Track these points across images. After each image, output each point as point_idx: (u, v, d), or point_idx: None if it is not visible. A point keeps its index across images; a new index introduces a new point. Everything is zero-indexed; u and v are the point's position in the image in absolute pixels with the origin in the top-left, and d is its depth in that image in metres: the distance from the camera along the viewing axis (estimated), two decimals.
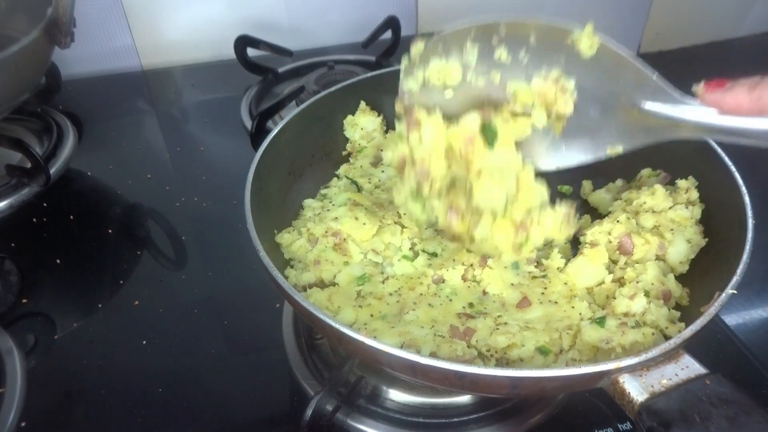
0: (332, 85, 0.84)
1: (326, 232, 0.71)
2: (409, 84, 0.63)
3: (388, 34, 1.29)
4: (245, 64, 1.23)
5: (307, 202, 0.80)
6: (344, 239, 0.71)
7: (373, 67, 1.28)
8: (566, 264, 0.69)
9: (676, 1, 1.56)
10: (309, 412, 0.61)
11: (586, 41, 0.58)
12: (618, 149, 0.59)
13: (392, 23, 1.28)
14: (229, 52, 1.21)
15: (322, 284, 0.68)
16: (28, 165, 0.94)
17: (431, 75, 0.62)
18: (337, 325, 0.51)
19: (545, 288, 0.67)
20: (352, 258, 0.70)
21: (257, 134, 0.95)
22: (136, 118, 1.25)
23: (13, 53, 0.85)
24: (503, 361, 0.59)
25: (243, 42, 1.21)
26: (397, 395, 0.69)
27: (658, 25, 1.57)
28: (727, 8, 1.60)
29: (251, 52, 1.23)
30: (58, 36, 0.93)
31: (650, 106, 0.55)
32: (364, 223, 0.73)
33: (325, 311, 0.57)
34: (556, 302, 0.65)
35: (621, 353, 0.55)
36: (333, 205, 0.77)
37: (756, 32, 1.63)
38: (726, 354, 0.75)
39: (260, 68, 1.25)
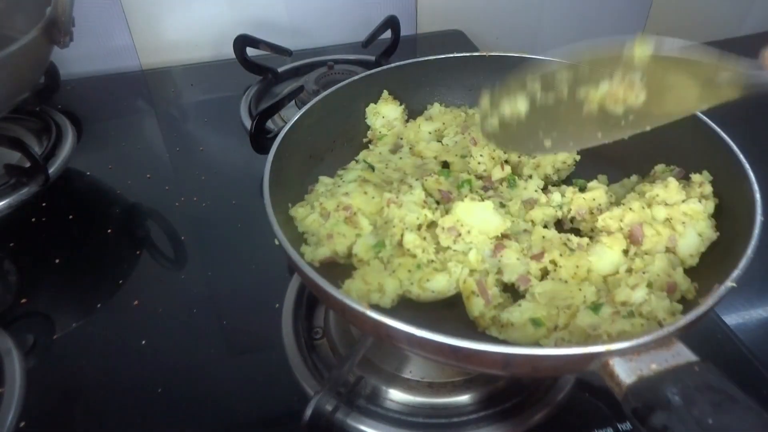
0: (332, 85, 0.85)
1: (338, 206, 0.73)
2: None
3: (387, 34, 1.29)
4: (245, 63, 1.23)
5: (322, 178, 0.81)
6: (354, 213, 0.72)
7: (373, 67, 1.28)
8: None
9: (676, 1, 1.56)
10: (309, 412, 0.61)
11: (640, 48, 0.61)
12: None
13: (392, 23, 1.28)
14: (229, 52, 1.21)
15: (336, 256, 0.70)
16: (27, 164, 0.94)
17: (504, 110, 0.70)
18: (340, 297, 0.53)
19: (559, 265, 0.67)
20: (363, 230, 0.72)
21: (257, 134, 0.95)
22: (136, 117, 1.24)
23: (11, 53, 0.85)
24: (496, 321, 0.62)
25: (242, 41, 1.21)
26: (396, 395, 0.69)
27: (658, 25, 1.57)
28: (727, 8, 1.60)
29: (251, 51, 1.23)
30: (57, 35, 0.93)
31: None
32: (373, 197, 0.75)
33: (373, 295, 0.64)
34: (566, 282, 0.66)
35: (607, 341, 0.55)
36: (344, 181, 0.80)
37: (756, 32, 1.63)
38: (726, 354, 0.75)
39: (260, 68, 1.25)
